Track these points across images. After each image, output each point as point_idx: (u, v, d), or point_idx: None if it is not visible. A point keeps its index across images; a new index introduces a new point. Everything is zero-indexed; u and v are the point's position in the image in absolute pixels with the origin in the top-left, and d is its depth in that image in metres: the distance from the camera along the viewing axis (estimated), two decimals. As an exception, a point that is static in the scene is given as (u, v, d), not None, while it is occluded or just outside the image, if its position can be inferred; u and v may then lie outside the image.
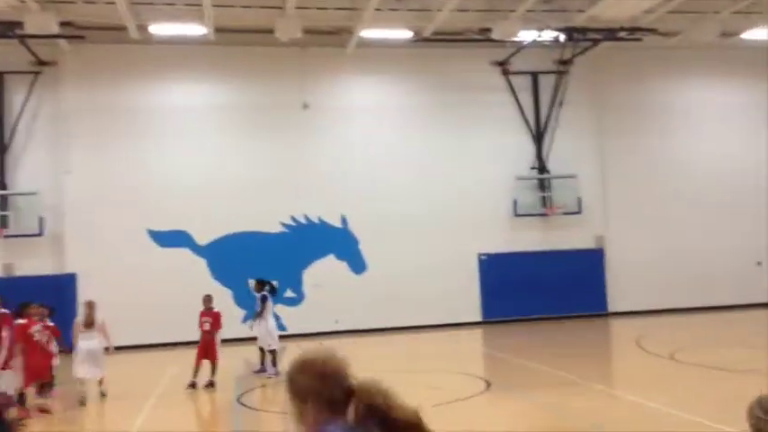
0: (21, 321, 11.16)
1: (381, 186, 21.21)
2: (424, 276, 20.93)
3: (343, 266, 21.12)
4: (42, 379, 11.15)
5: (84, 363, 11.40)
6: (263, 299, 14.38)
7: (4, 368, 10.54)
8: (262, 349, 14.38)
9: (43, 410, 10.94)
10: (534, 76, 22.55)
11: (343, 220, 21.22)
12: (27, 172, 19.82)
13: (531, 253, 21.80)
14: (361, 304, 20.59)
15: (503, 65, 22.17)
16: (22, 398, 10.68)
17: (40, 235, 19.32)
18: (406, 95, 21.96)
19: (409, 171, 21.49)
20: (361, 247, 21.23)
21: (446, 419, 9.27)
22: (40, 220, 19.33)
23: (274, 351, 14.32)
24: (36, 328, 11.16)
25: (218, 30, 18.85)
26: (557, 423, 9.73)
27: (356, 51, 20.71)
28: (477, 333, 20.64)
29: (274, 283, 15.12)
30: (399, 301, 20.68)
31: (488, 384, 11.92)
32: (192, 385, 12.41)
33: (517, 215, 21.88)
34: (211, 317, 13.09)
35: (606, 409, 10.03)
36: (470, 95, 21.98)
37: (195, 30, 18.54)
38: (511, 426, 9.03)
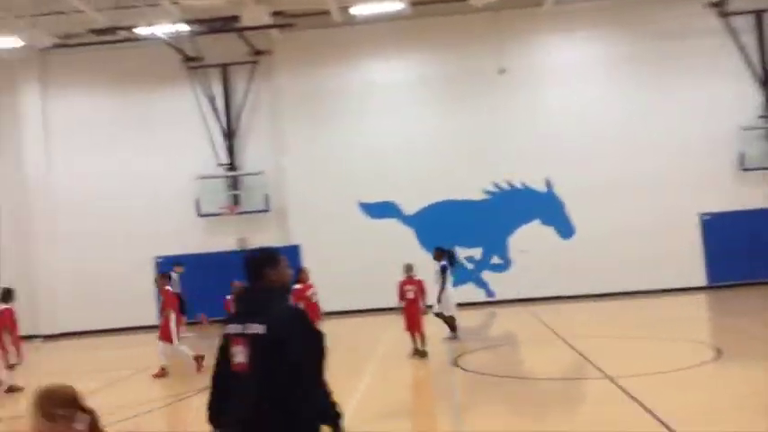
0: (298, 286, 12.30)
1: (585, 147, 20.46)
2: (636, 239, 19.93)
3: (549, 231, 20.74)
4: None
5: None
6: (443, 268, 14.25)
7: None
8: (440, 315, 14.39)
9: None
10: (758, 15, 20.26)
11: (548, 184, 20.78)
12: (252, 154, 21.76)
13: (762, 210, 19.83)
14: (570, 269, 20.14)
15: (719, 5, 20.14)
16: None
17: (266, 211, 21.18)
18: (605, 50, 20.91)
19: (613, 129, 20.49)
20: (567, 210, 20.69)
21: (674, 388, 8.86)
22: (266, 198, 21.18)
23: (451, 317, 14.39)
24: (312, 291, 12.25)
25: (414, 3, 19.15)
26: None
27: (552, 9, 20.03)
28: (700, 298, 19.24)
29: (453, 252, 14.97)
30: (610, 266, 19.91)
31: (719, 352, 11.11)
32: (416, 352, 12.64)
33: (744, 169, 19.96)
34: (415, 285, 13.02)
35: None
36: (679, 43, 20.31)
37: (393, 6, 19.00)
38: (744, 397, 8.39)
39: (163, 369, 12.81)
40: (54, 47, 20.65)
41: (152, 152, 21.59)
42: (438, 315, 14.40)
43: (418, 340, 12.81)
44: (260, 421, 3.42)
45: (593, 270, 20.03)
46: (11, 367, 12.47)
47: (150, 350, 18.07)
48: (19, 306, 20.79)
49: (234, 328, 3.62)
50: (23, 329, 21.14)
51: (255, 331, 3.47)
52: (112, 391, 12.07)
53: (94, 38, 20.18)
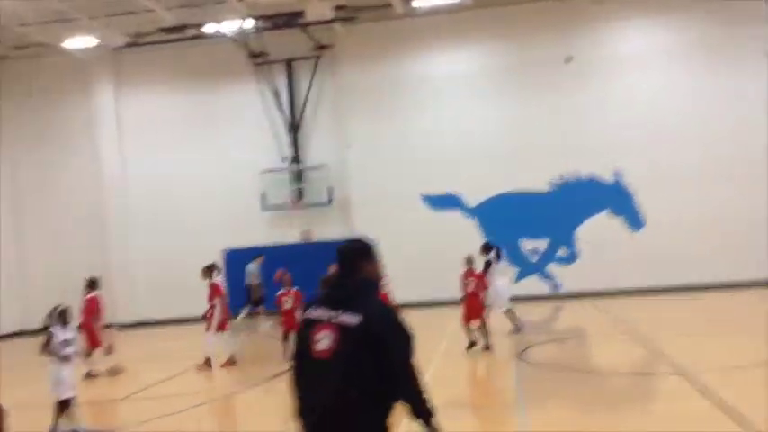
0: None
1: (655, 136, 19.83)
2: (710, 230, 19.23)
3: (618, 223, 20.20)
4: None
5: None
6: (487, 264, 13.97)
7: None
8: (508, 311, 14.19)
9: None
10: None
11: (616, 175, 20.22)
12: (315, 147, 21.97)
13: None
14: (640, 261, 19.58)
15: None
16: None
17: (329, 204, 21.37)
18: (674, 37, 20.22)
19: (683, 117, 19.82)
20: (637, 201, 20.10)
21: (753, 384, 8.48)
22: (329, 191, 21.35)
23: (509, 311, 14.16)
24: (384, 282, 12.31)
25: (477, -8, 18.93)
26: None
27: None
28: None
29: (499, 248, 14.62)
30: (682, 258, 19.25)
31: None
32: (471, 345, 12.60)
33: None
34: (475, 277, 12.96)
35: None
36: (751, 29, 19.35)
37: (455, -4, 18.81)
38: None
39: (231, 359, 13.07)
40: (126, 46, 21.37)
41: (218, 147, 22.07)
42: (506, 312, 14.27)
43: (477, 333, 12.70)
44: (341, 410, 3.38)
45: (664, 262, 19.41)
46: (92, 353, 12.86)
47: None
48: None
49: (319, 314, 3.56)
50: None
51: (348, 321, 3.44)
52: (178, 381, 12.38)
53: (164, 36, 20.78)
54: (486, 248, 14.38)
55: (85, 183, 22.55)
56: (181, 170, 22.17)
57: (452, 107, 21.02)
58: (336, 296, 3.61)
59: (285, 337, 12.82)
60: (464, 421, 8.51)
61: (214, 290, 13.24)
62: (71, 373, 8.80)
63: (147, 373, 13.36)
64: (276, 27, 20.50)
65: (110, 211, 22.41)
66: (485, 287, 13.13)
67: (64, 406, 8.61)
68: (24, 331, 21.54)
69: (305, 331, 3.59)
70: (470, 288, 12.83)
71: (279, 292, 13.18)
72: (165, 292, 21.58)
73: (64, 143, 22.83)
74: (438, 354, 12.55)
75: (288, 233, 21.36)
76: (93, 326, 12.97)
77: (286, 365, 11.58)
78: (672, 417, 7.63)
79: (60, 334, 8.72)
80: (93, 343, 12.91)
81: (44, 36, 20.00)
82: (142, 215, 22.42)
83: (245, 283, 18.96)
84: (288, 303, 12.90)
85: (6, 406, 10.14)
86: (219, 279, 13.72)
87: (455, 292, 13.15)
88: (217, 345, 13.12)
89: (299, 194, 21.59)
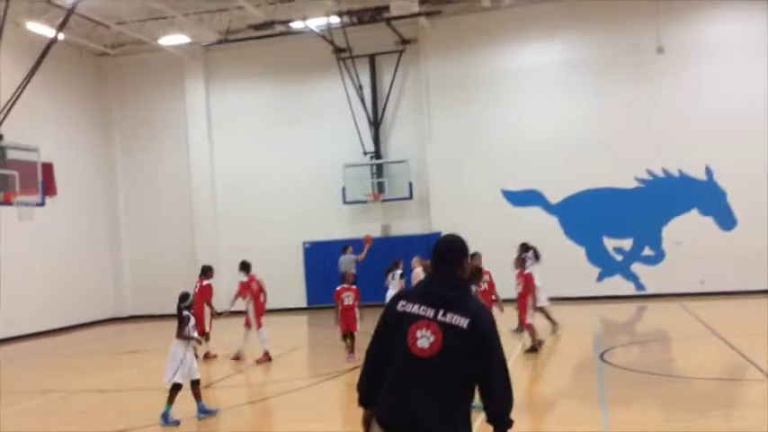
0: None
1: (749, 131, 18.94)
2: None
3: (708, 222, 19.44)
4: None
5: None
6: (522, 261, 13.57)
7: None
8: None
9: None
10: None
11: (708, 172, 19.46)
12: (396, 142, 22.15)
13: None
14: (731, 263, 18.77)
15: None
16: None
17: (409, 198, 21.51)
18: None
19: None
20: (729, 200, 19.28)
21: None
22: (409, 185, 21.49)
23: (542, 308, 13.85)
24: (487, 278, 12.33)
25: (564, -15, 18.60)
26: None
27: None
28: None
29: (536, 248, 14.35)
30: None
31: None
32: (540, 344, 12.32)
33: None
34: (521, 278, 12.76)
35: None
36: None
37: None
38: None
39: (266, 354, 13.08)
40: (216, 42, 22.15)
41: (302, 141, 22.57)
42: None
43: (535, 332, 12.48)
44: (434, 410, 3.34)
45: (754, 264, 18.56)
46: (205, 336, 13.40)
47: (297, 331, 19.03)
48: (183, 284, 22.61)
49: (419, 310, 3.46)
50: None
51: (456, 322, 3.38)
52: (255, 371, 12.81)
53: (253, 32, 21.43)
54: (524, 248, 14.27)
55: (176, 175, 23.53)
56: (265, 163, 22.80)
57: (536, 101, 20.73)
58: (438, 294, 3.49)
59: (344, 336, 12.68)
60: (545, 420, 8.48)
61: (246, 287, 13.43)
62: (193, 356, 9.03)
63: (224, 362, 13.71)
64: (361, 22, 20.77)
65: (198, 204, 23.30)
66: (531, 288, 12.69)
67: (178, 389, 8.75)
68: (117, 318, 22.77)
69: (400, 326, 3.47)
70: (519, 290, 12.74)
71: (338, 288, 12.90)
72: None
73: (158, 137, 23.87)
74: (515, 351, 12.48)
75: (367, 228, 21.59)
76: (204, 312, 13.59)
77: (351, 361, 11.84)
78: (759, 424, 7.37)
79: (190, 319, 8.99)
80: (201, 328, 13.52)
81: (140, 34, 20.98)
82: (228, 208, 23.21)
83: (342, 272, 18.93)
84: (348, 299, 12.69)
85: (102, 387, 10.77)
86: (248, 276, 13.67)
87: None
88: (253, 339, 13.23)
89: (380, 188, 21.83)
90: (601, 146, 20.08)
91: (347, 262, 18.16)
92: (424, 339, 3.38)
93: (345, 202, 21.87)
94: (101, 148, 23.80)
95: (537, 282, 13.34)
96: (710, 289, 18.79)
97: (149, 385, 12.16)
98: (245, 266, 13.80)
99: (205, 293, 13.86)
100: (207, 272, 14.29)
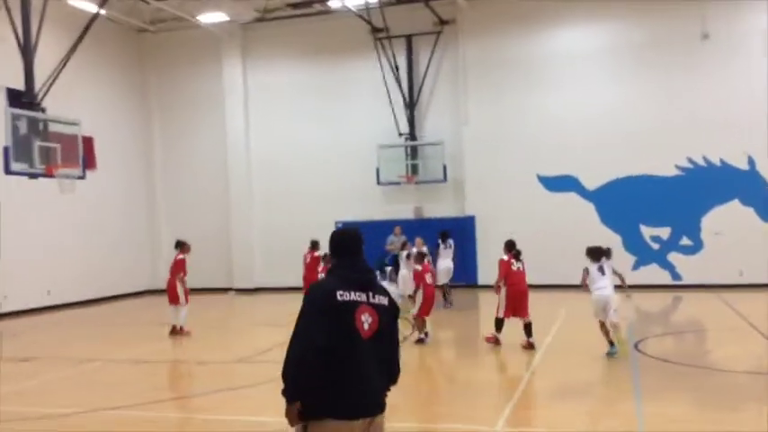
0: (418, 267, 12.50)
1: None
2: None
3: (749, 213, 19.01)
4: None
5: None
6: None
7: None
8: None
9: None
10: None
11: (750, 161, 18.99)
12: (432, 124, 22.02)
13: None
14: (770, 255, 18.36)
15: None
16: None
17: (443, 181, 21.40)
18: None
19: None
20: (771, 191, 18.82)
21: None
22: (444, 168, 21.38)
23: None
24: (517, 264, 12.10)
25: (608, -34, 18.18)
26: None
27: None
28: None
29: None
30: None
31: None
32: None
33: None
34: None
35: None
36: None
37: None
38: None
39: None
40: (254, 21, 22.18)
41: (337, 120, 22.55)
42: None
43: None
44: (383, 385, 3.91)
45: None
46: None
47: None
48: (217, 260, 22.98)
49: (356, 297, 3.81)
50: (220, 282, 23.30)
51: (381, 302, 3.87)
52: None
53: (291, 11, 21.41)
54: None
55: (213, 151, 23.75)
56: (300, 142, 22.86)
57: (576, 86, 20.40)
58: (361, 279, 3.87)
59: (422, 319, 12.46)
60: (576, 409, 8.43)
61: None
62: None
63: (264, 336, 13.97)
64: (400, 2, 20.60)
65: (234, 181, 23.49)
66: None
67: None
68: (153, 290, 23.16)
69: (345, 315, 3.73)
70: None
71: (419, 268, 12.57)
72: (280, 259, 22.27)
73: (195, 113, 24.07)
74: (548, 339, 12.39)
75: (401, 209, 21.61)
76: (177, 285, 13.96)
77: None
78: (797, 421, 7.22)
79: None
80: (175, 299, 14.00)
81: (180, 11, 21.11)
82: (262, 186, 23.37)
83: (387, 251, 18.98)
84: (428, 279, 12.49)
85: (137, 357, 10.96)
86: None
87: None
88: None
89: (414, 170, 21.75)
90: (640, 132, 19.71)
91: (399, 242, 18.12)
92: (366, 323, 3.76)
93: (379, 183, 21.85)
94: (139, 123, 24.12)
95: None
96: (749, 281, 18.42)
97: (183, 357, 12.38)
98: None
99: (179, 267, 14.05)
100: (182, 246, 14.33)
